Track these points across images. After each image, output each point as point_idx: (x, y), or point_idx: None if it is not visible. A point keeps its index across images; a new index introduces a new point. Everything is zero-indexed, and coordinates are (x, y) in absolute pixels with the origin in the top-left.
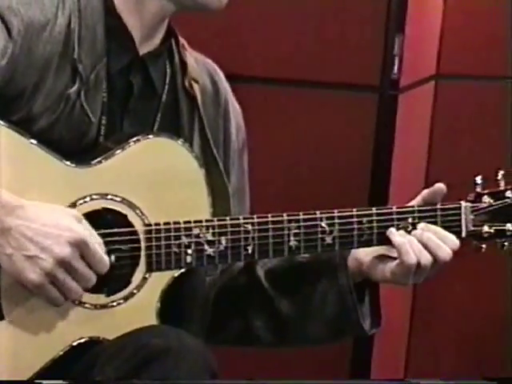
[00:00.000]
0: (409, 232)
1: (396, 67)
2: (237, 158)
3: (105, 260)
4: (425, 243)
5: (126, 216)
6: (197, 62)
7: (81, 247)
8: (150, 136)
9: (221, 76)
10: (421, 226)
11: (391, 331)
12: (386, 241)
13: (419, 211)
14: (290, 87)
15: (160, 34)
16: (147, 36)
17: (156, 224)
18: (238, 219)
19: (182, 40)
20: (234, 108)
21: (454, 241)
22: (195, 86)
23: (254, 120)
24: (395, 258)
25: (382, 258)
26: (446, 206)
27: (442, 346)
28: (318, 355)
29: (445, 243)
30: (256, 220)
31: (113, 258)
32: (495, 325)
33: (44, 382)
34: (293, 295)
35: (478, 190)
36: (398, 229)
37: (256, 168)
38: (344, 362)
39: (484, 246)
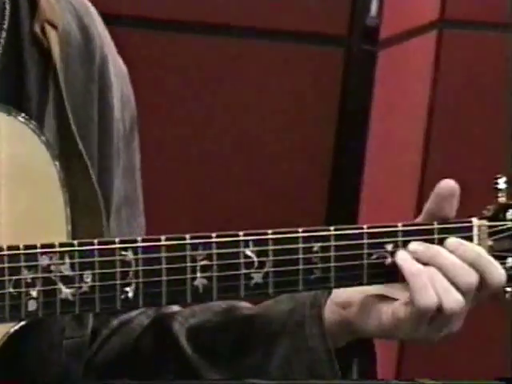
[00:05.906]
0: None
1: (374, 8)
2: (123, 149)
3: None
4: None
5: None
6: None
7: None
8: None
9: (95, 17)
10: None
11: None
12: (355, 278)
13: (404, 233)
14: (208, 35)
15: None
16: None
17: None
18: (113, 243)
19: None
20: (117, 69)
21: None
22: (51, 33)
23: (151, 85)
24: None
25: (379, 298)
26: (449, 226)
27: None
28: None
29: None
30: (141, 244)
31: None
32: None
33: None
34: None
35: (501, 199)
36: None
37: (157, 162)
38: None
39: (510, 289)
